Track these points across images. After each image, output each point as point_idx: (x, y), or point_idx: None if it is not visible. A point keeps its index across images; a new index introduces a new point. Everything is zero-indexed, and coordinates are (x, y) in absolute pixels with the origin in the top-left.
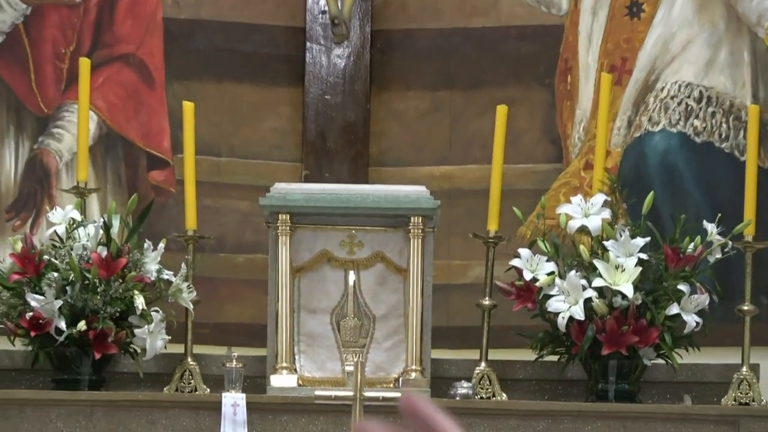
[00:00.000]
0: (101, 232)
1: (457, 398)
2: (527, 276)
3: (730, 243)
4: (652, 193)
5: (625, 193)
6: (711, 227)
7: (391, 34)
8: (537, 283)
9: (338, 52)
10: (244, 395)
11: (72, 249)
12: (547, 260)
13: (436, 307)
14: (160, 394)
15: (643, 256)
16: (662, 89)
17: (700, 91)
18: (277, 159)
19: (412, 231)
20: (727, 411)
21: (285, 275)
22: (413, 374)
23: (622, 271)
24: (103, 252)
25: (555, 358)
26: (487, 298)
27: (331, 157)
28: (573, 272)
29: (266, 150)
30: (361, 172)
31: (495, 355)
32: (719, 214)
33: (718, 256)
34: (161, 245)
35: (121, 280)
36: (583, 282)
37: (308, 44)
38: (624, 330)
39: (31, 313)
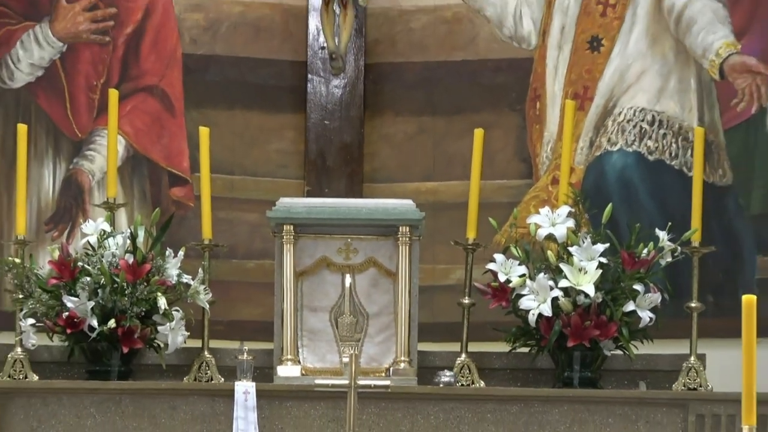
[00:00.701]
0: (128, 241)
1: (441, 385)
2: (502, 278)
3: (679, 248)
4: (610, 205)
5: (587, 205)
6: (662, 235)
7: (381, 67)
8: (510, 284)
9: (336, 83)
10: (254, 384)
11: (103, 256)
12: (519, 264)
13: (422, 305)
14: (181, 383)
15: (603, 260)
16: (619, 114)
17: (653, 116)
18: (282, 177)
19: (400, 239)
20: (678, 395)
21: (289, 278)
22: (402, 365)
23: (585, 273)
24: (130, 259)
25: (526, 349)
26: (466, 298)
27: (329, 174)
28: (542, 274)
29: (273, 169)
30: (356, 188)
31: (474, 347)
32: (669, 223)
33: (669, 259)
34: (181, 253)
35: (145, 284)
36: (551, 283)
37: (309, 76)
38: (587, 325)
39: (67, 313)
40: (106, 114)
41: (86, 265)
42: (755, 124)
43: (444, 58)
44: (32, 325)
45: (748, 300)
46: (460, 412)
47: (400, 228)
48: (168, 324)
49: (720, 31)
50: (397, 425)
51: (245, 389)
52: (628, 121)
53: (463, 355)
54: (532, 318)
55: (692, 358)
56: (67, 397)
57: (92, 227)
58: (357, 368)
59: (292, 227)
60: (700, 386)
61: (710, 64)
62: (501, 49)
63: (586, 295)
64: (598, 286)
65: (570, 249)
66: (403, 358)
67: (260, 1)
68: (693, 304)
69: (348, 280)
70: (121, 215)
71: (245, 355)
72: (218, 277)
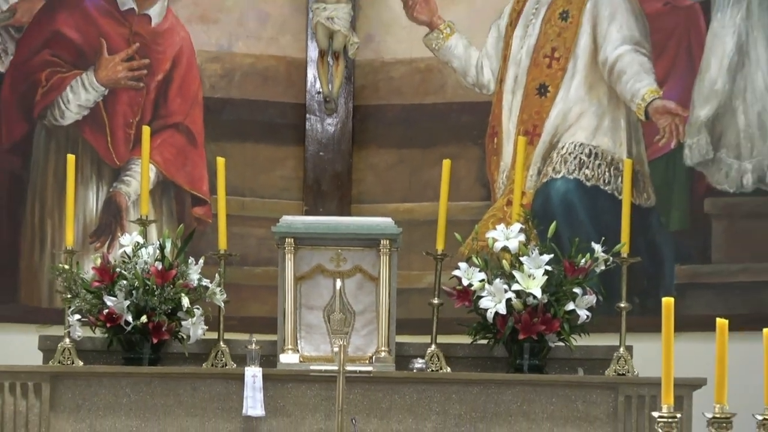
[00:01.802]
0: (158, 251)
1: (414, 370)
2: (465, 282)
3: (611, 258)
4: (554, 222)
5: (535, 222)
6: (597, 247)
7: (367, 108)
8: (472, 288)
9: (329, 121)
10: (261, 369)
11: (137, 264)
12: (479, 271)
13: (400, 304)
14: (200, 369)
15: (548, 268)
16: (562, 148)
17: (590, 149)
18: (284, 198)
19: (381, 250)
20: (610, 380)
21: (290, 282)
22: (383, 354)
23: (533, 278)
24: (159, 266)
25: (485, 341)
26: (436, 298)
27: (324, 197)
28: (498, 280)
29: (277, 192)
30: (346, 208)
31: (442, 339)
32: (603, 238)
33: (602, 268)
34: (201, 261)
35: (172, 286)
36: (505, 287)
37: (307, 116)
38: (535, 321)
39: (107, 310)
40: (140, 146)
41: (123, 271)
42: (674, 156)
43: (418, 101)
44: (78, 320)
45: (667, 302)
46: (430, 392)
47: (382, 241)
48: (190, 319)
49: (645, 80)
50: (378, 403)
51: (253, 373)
52: (569, 154)
53: (433, 346)
54: (489, 315)
55: (621, 349)
56: (106, 379)
57: (128, 239)
58: (345, 356)
59: (292, 240)
60: (628, 372)
61: (637, 107)
62: (465, 94)
63: (534, 297)
64: (544, 289)
65: (521, 259)
66: (383, 348)
67: (267, 54)
68: (622, 305)
69: (338, 283)
70: (152, 230)
71: (254, 345)
72: (232, 280)
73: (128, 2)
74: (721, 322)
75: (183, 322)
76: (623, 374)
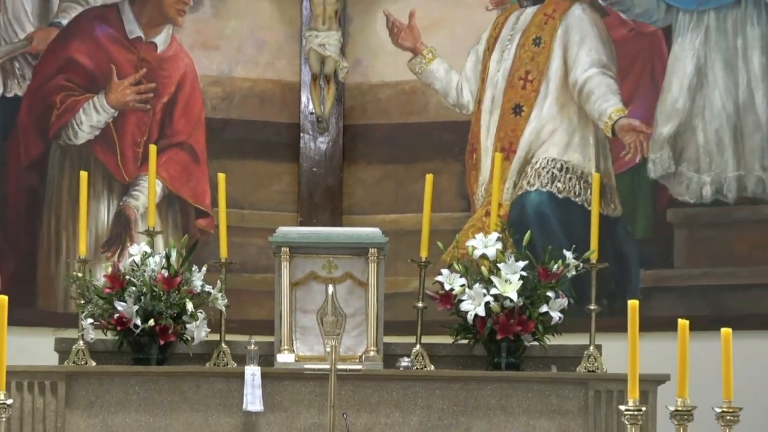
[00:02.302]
0: (164, 260)
1: (401, 368)
2: (447, 287)
3: (581, 264)
4: (529, 232)
5: (511, 232)
6: (568, 254)
7: (356, 127)
8: (453, 292)
9: (321, 140)
10: (259, 368)
11: (145, 271)
12: (460, 277)
13: (387, 308)
14: (203, 368)
15: (524, 273)
16: (536, 163)
17: (562, 164)
18: (281, 211)
19: (370, 258)
20: (581, 376)
21: (286, 288)
22: (371, 353)
23: (510, 283)
24: (165, 273)
25: (466, 341)
26: (420, 302)
27: (317, 209)
28: (477, 284)
29: (274, 205)
30: (337, 219)
31: (426, 339)
32: (574, 246)
33: (573, 273)
34: (204, 268)
35: (177, 292)
36: (484, 291)
37: (302, 134)
38: (511, 322)
39: (117, 315)
40: (147, 163)
41: (132, 278)
42: (639, 170)
43: (403, 121)
44: (91, 323)
45: (633, 304)
46: (415, 389)
47: (370, 249)
48: (194, 322)
49: (612, 100)
50: (367, 399)
51: (253, 372)
52: (542, 168)
53: (418, 346)
54: (470, 317)
55: (591, 348)
56: (117, 378)
57: (137, 249)
58: (337, 356)
59: (288, 249)
60: (598, 369)
61: (605, 125)
62: (446, 113)
63: (511, 300)
64: (520, 293)
65: (498, 265)
66: (372, 348)
67: (264, 78)
68: (591, 307)
69: (330, 289)
70: (159, 240)
71: (253, 346)
72: (232, 286)
73: (136, 31)
74: (683, 323)
75: (187, 325)
76: (593, 371)
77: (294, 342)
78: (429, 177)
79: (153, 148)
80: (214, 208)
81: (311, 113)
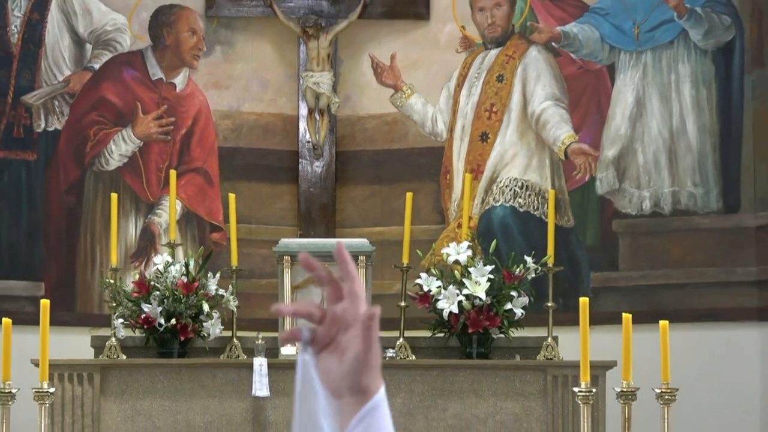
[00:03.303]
0: (184, 268)
1: (387, 358)
2: (425, 288)
3: (539, 268)
4: (495, 240)
5: (480, 241)
6: (529, 260)
7: (347, 153)
8: (431, 293)
9: (317, 164)
10: (266, 359)
11: (167, 278)
12: (436, 280)
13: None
14: (218, 360)
15: (491, 276)
16: (501, 182)
17: (522, 183)
18: (283, 225)
19: (359, 264)
20: (540, 363)
21: (288, 291)
22: None
23: (479, 284)
24: (185, 279)
25: (442, 335)
26: (403, 302)
27: (314, 223)
28: (451, 286)
29: (277, 220)
30: (331, 232)
31: (408, 333)
32: (533, 252)
33: (533, 275)
34: (218, 275)
35: (195, 295)
36: (457, 291)
37: (300, 160)
38: (481, 318)
39: (144, 315)
40: (168, 186)
41: (156, 284)
42: (588, 187)
43: (387, 147)
44: (121, 323)
45: (584, 301)
46: (399, 375)
47: (359, 257)
48: (210, 321)
49: (564, 127)
50: None
51: (260, 362)
52: (506, 187)
53: (401, 339)
54: (445, 314)
55: (549, 339)
56: (144, 369)
57: (161, 259)
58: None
59: (289, 258)
60: (555, 357)
61: (558, 149)
62: (423, 141)
63: (480, 299)
64: (488, 293)
65: (469, 269)
66: None
67: (267, 112)
68: (549, 304)
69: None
70: (179, 251)
71: (260, 341)
72: (242, 290)
73: (158, 73)
74: (626, 317)
75: (204, 324)
76: (551, 359)
77: None
78: (409, 195)
79: (173, 173)
80: (225, 223)
81: (308, 142)
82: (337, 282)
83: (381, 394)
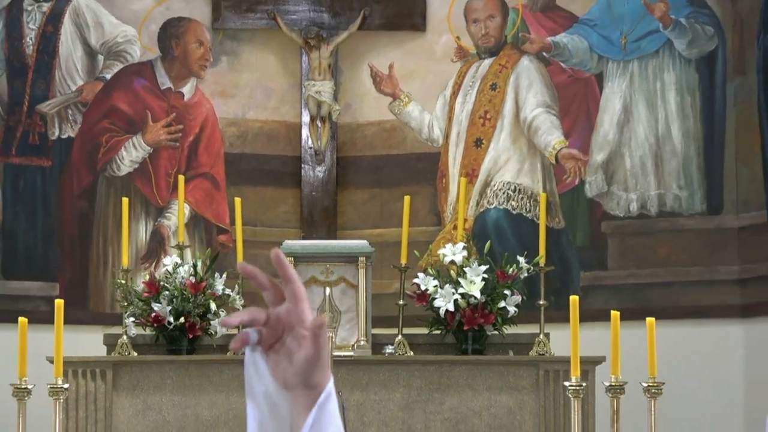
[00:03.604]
0: (192, 269)
1: (386, 354)
2: (422, 287)
3: (531, 267)
4: (489, 242)
5: (475, 242)
6: (521, 260)
7: (347, 158)
8: (428, 292)
9: (319, 169)
10: None
11: (176, 278)
12: (433, 279)
13: (374, 305)
14: (225, 356)
15: (485, 275)
16: (494, 185)
17: (515, 186)
18: (287, 227)
19: (359, 264)
20: (533, 358)
21: None
22: (362, 342)
23: (474, 284)
24: (193, 280)
25: (438, 331)
26: (401, 300)
27: (316, 226)
28: (447, 285)
29: (281, 223)
30: (332, 234)
31: (406, 331)
32: (526, 252)
33: (526, 274)
34: (224, 275)
35: (202, 295)
36: (453, 290)
37: (303, 165)
38: (476, 315)
39: (154, 314)
40: (177, 190)
41: (166, 284)
42: (578, 190)
43: (386, 153)
44: (133, 321)
45: (574, 299)
46: (397, 371)
47: (360, 258)
48: (217, 319)
49: (555, 133)
50: (359, 380)
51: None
52: (499, 190)
53: (400, 336)
54: (442, 312)
55: (541, 336)
56: (155, 365)
57: (170, 260)
58: (333, 345)
59: (292, 258)
60: (546, 353)
61: (549, 154)
62: (420, 146)
63: (475, 297)
64: (482, 291)
65: (464, 269)
66: (362, 338)
67: (272, 120)
68: (541, 302)
69: (327, 290)
70: (187, 253)
71: None
72: (247, 290)
73: (166, 83)
74: (615, 314)
75: (211, 322)
76: (543, 354)
77: None
78: (407, 198)
79: (181, 178)
80: (232, 226)
81: (310, 148)
82: (277, 286)
83: (330, 386)
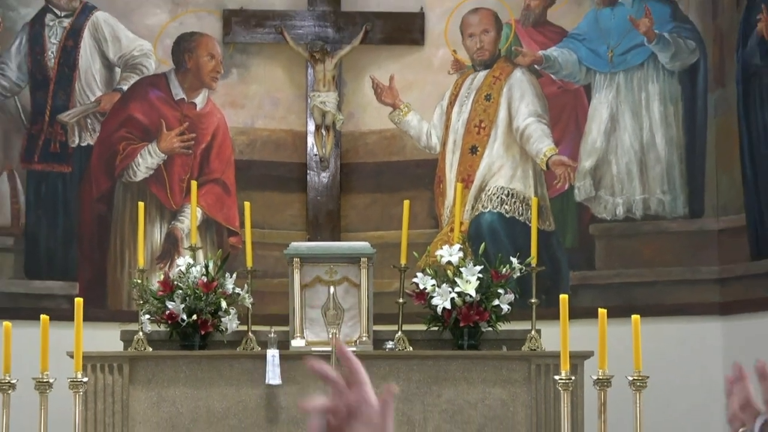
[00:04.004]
0: (204, 269)
1: (387, 350)
2: (421, 287)
3: (523, 268)
4: (484, 243)
5: (470, 243)
6: (514, 261)
7: (350, 165)
8: (426, 290)
9: (324, 175)
10: (278, 351)
11: (189, 278)
12: (431, 279)
13: (375, 303)
14: (235, 351)
15: (480, 275)
16: (488, 190)
17: (509, 191)
18: (293, 230)
19: (362, 265)
20: (525, 354)
21: (297, 289)
22: (364, 338)
23: (470, 283)
24: (205, 279)
25: (436, 328)
26: (401, 299)
27: (321, 229)
28: (444, 284)
29: (287, 225)
30: (336, 236)
31: (406, 327)
32: (518, 253)
33: (518, 274)
34: (234, 275)
35: (214, 294)
36: (450, 289)
37: (308, 171)
38: (471, 313)
39: (168, 311)
40: (190, 195)
41: (179, 284)
42: (567, 195)
43: (386, 160)
44: (148, 318)
45: (564, 298)
46: (397, 365)
47: (362, 259)
48: (227, 317)
49: (546, 141)
50: None
51: (273, 354)
52: (493, 195)
53: (399, 332)
54: (439, 310)
55: (533, 332)
56: (169, 360)
57: (183, 261)
58: (337, 340)
59: (299, 259)
60: (538, 348)
61: (541, 161)
62: (419, 153)
63: (470, 296)
64: (477, 290)
65: (461, 269)
66: (364, 334)
67: (279, 129)
68: (532, 300)
69: (331, 289)
70: (200, 254)
71: (273, 334)
72: (256, 289)
73: (180, 93)
74: (602, 312)
75: (222, 319)
76: (534, 349)
77: (304, 330)
78: (406, 202)
79: (194, 184)
80: (241, 228)
81: (315, 155)
82: (342, 384)
83: None
